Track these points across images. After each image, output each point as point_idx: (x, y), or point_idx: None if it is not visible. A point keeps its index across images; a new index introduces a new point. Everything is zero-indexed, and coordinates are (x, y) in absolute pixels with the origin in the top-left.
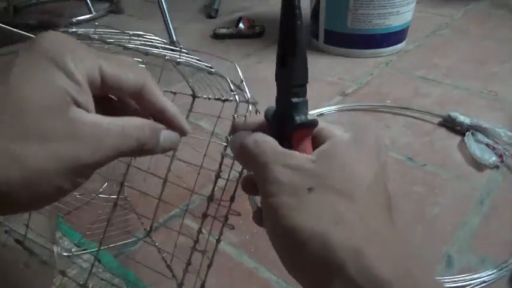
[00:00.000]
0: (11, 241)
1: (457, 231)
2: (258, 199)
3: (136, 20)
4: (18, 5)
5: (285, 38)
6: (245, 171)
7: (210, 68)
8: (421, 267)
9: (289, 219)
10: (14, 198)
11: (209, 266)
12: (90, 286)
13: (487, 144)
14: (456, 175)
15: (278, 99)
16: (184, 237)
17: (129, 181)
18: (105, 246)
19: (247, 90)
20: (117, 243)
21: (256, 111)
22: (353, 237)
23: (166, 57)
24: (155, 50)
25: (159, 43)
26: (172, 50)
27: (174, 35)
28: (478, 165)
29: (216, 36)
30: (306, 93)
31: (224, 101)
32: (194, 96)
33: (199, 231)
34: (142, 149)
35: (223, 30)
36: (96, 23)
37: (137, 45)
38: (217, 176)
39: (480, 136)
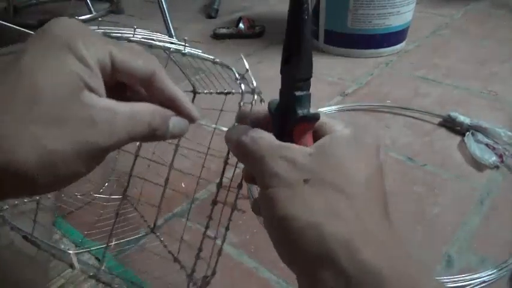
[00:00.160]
0: (18, 238)
1: (457, 231)
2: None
3: (136, 20)
4: (18, 5)
5: (291, 32)
6: None
7: (214, 59)
8: (415, 262)
9: (284, 209)
10: (31, 178)
11: (219, 253)
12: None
13: (487, 144)
14: (456, 175)
15: (282, 93)
16: (187, 234)
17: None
18: (111, 244)
19: (253, 80)
20: (121, 241)
21: (261, 100)
22: (346, 231)
23: (172, 49)
24: (159, 43)
25: (163, 37)
26: (176, 43)
27: (174, 35)
28: (478, 165)
29: (216, 36)
30: (310, 87)
31: (227, 93)
32: (195, 93)
33: (210, 217)
34: (153, 135)
35: (223, 30)
36: (100, 19)
37: (141, 39)
38: (226, 163)
39: (480, 136)
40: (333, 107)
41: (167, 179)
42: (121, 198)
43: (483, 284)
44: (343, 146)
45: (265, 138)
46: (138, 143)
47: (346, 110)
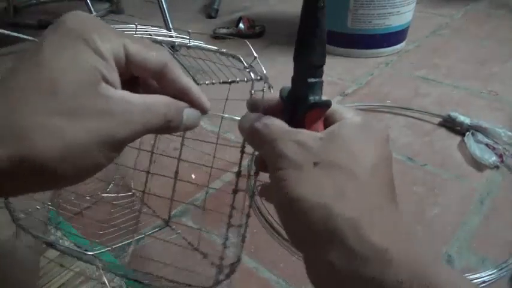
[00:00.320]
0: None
1: (457, 231)
2: (258, 198)
3: (136, 20)
4: (18, 5)
5: (305, 19)
6: None
7: (219, 49)
8: (420, 241)
9: (294, 190)
10: (52, 171)
11: (243, 240)
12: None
13: (487, 144)
14: (456, 175)
15: (294, 80)
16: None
17: (135, 177)
18: (132, 239)
19: (262, 67)
20: (139, 236)
21: (270, 87)
22: (354, 211)
23: (177, 43)
24: (163, 38)
25: (166, 32)
26: (180, 36)
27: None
28: (478, 165)
29: (216, 36)
30: (323, 74)
31: (231, 82)
32: (196, 84)
33: (232, 206)
34: (168, 126)
35: (223, 30)
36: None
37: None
38: (243, 152)
39: (480, 136)
40: None
41: (177, 172)
42: (129, 195)
43: (483, 284)
44: (353, 132)
45: (277, 124)
46: (140, 139)
47: None
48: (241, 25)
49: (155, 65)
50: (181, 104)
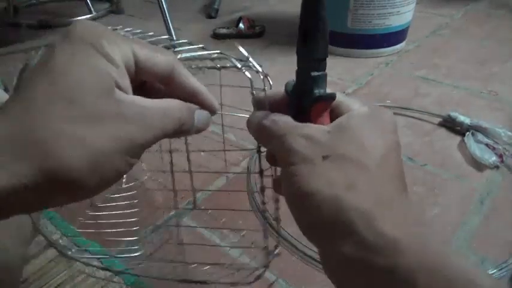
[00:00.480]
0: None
1: (457, 231)
2: (258, 198)
3: (136, 19)
4: (18, 5)
5: (307, 12)
6: None
7: (210, 55)
8: (430, 230)
9: (304, 185)
10: (81, 183)
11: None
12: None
13: (487, 144)
14: (456, 175)
15: (298, 73)
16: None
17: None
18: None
19: (255, 64)
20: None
21: (266, 76)
22: (364, 202)
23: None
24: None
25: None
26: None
27: (174, 35)
28: (478, 165)
29: (216, 36)
30: (326, 67)
31: (220, 68)
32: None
33: (263, 202)
34: (181, 130)
35: (223, 30)
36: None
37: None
38: (259, 152)
39: (480, 136)
40: None
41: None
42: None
43: None
44: (361, 123)
45: (285, 119)
46: None
47: None
48: (241, 25)
49: (163, 69)
50: (192, 106)
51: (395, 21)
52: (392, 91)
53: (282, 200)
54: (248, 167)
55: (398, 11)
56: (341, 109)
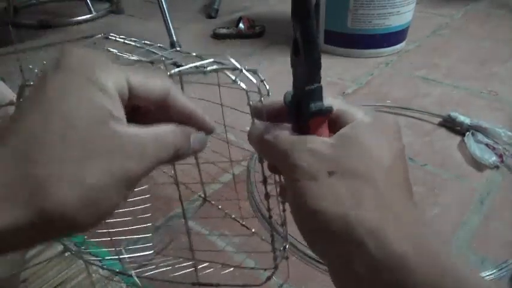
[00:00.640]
0: None
1: (457, 231)
2: (258, 198)
3: (136, 19)
4: (18, 5)
5: (296, 24)
6: None
7: (204, 68)
8: (439, 244)
9: (312, 202)
10: (73, 219)
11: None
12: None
13: (487, 144)
14: (456, 175)
15: (294, 86)
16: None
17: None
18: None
19: (249, 76)
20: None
21: (262, 81)
22: (373, 218)
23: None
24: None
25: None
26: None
27: (174, 35)
28: (478, 165)
29: (216, 36)
30: (321, 78)
31: (205, 73)
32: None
33: (268, 209)
34: (177, 155)
35: (223, 30)
36: (95, 43)
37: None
38: (262, 161)
39: (480, 136)
40: None
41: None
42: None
43: None
44: (364, 134)
45: (286, 134)
46: None
47: None
48: (241, 25)
49: (157, 95)
50: (188, 129)
51: (395, 21)
52: (392, 91)
53: (287, 204)
54: (248, 167)
55: (398, 11)
56: (344, 119)
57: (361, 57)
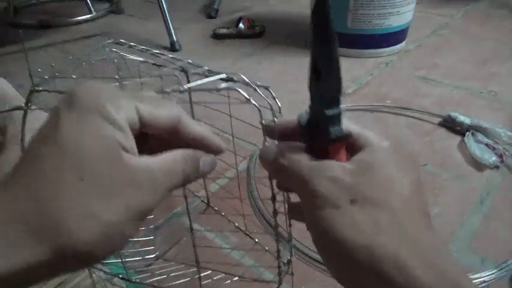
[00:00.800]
0: None
1: (457, 231)
2: (257, 196)
3: (136, 20)
4: (18, 5)
5: (317, 49)
6: None
7: (218, 89)
8: (460, 272)
9: (334, 231)
10: (91, 254)
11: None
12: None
13: (487, 144)
14: (456, 175)
15: (312, 110)
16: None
17: None
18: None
19: (263, 96)
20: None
21: (276, 100)
22: (395, 247)
23: (169, 90)
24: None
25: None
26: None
27: (174, 35)
28: (478, 165)
29: (216, 36)
30: (340, 103)
31: (229, 103)
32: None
33: (275, 225)
34: (188, 180)
35: (223, 30)
36: (103, 46)
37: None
38: (271, 178)
39: (480, 136)
40: None
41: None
42: None
43: (483, 284)
44: (384, 160)
45: (303, 158)
46: None
47: (346, 110)
48: (241, 25)
49: (167, 123)
50: (197, 154)
51: (395, 21)
52: (392, 91)
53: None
54: (248, 167)
55: (398, 11)
56: (360, 142)
57: (361, 57)
